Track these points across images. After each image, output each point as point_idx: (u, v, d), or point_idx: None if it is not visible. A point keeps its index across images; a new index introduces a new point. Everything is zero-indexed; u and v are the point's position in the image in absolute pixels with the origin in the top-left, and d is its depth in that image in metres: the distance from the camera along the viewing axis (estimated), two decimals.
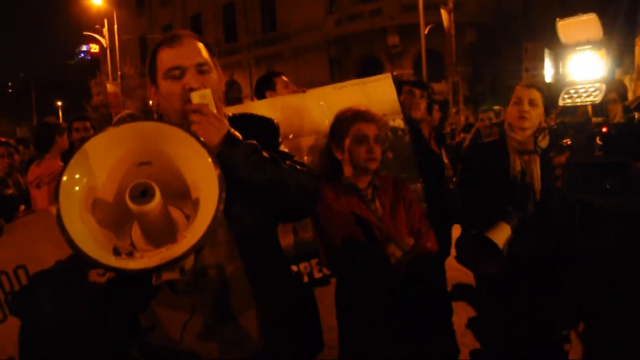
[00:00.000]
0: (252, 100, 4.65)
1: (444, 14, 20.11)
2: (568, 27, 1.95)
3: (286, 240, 3.14)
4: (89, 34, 37.68)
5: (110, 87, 31.53)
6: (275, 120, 2.09)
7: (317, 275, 3.26)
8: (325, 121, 3.10)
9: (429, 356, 2.68)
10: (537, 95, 3.20)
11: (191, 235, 1.48)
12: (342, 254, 2.59)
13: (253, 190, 1.79)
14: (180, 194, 1.61)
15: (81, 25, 42.51)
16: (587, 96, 1.94)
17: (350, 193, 2.66)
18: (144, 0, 41.79)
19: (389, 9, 28.41)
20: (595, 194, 1.93)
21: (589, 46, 1.90)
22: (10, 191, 4.24)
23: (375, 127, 2.66)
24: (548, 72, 2.18)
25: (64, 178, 1.49)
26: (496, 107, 7.22)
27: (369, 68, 29.48)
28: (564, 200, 3.14)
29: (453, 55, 20.56)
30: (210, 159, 1.55)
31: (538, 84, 3.21)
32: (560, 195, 3.13)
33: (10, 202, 3.92)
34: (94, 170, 1.53)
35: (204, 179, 1.54)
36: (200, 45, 1.86)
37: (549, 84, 2.65)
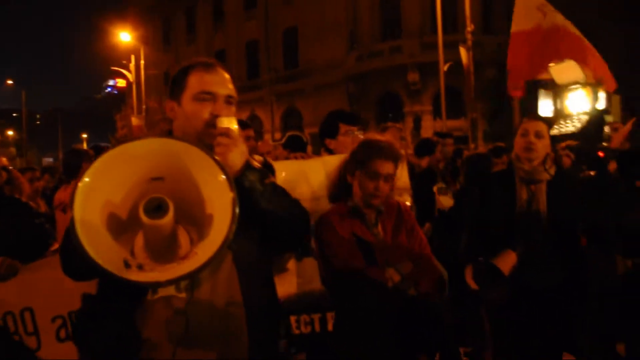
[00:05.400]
0: (272, 134, 4.74)
1: (462, 52, 20.24)
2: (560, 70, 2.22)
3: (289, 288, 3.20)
4: (116, 69, 38.80)
5: (134, 120, 32.12)
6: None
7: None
8: (325, 188, 3.14)
9: None
10: (543, 128, 3.29)
11: (202, 252, 1.48)
12: (342, 276, 2.61)
13: (265, 216, 1.86)
14: (191, 216, 1.61)
15: (109, 61, 43.83)
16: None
17: (354, 216, 2.70)
18: (170, 38, 42.98)
19: (409, 46, 28.72)
20: None
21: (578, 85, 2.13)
22: (47, 226, 4.17)
23: (392, 165, 2.68)
24: (547, 108, 2.35)
25: (79, 186, 1.50)
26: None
27: (388, 105, 29.70)
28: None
29: (471, 92, 20.58)
30: (227, 181, 1.56)
31: (543, 117, 3.30)
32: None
33: (45, 237, 3.81)
34: (107, 182, 1.54)
35: (219, 196, 1.56)
36: (229, 78, 1.97)
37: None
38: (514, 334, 3.27)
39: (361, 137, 3.24)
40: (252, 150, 4.74)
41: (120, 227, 1.57)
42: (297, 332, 3.22)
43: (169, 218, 1.49)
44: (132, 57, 36.14)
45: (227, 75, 1.96)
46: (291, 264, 3.23)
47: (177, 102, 1.94)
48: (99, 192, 1.52)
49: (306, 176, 3.28)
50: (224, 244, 1.48)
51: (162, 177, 1.60)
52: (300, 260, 3.23)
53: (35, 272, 2.68)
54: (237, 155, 1.78)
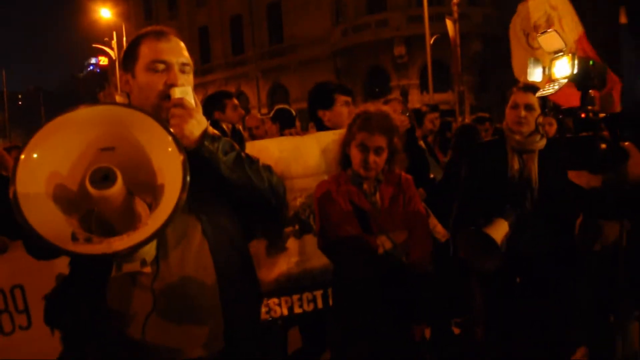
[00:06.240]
0: (259, 110, 4.66)
1: (449, 24, 20.15)
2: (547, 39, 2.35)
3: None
4: (98, 46, 38.14)
5: (118, 98, 31.62)
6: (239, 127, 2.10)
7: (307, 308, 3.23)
8: (321, 165, 3.18)
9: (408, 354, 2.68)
10: (533, 100, 3.24)
11: (153, 222, 1.42)
12: (336, 242, 2.63)
13: (230, 187, 1.80)
14: (145, 184, 1.54)
15: (90, 38, 43.11)
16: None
17: (353, 183, 2.71)
18: (152, 13, 42.21)
19: (395, 20, 28.51)
20: None
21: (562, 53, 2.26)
22: None
23: (382, 138, 2.66)
24: (538, 74, 2.40)
25: (22, 157, 1.41)
26: None
27: (375, 79, 29.57)
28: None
29: (459, 65, 20.55)
30: (174, 144, 1.50)
31: (535, 86, 3.26)
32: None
33: None
34: (53, 152, 1.46)
35: (168, 165, 1.49)
36: (184, 45, 1.87)
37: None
38: (506, 306, 3.30)
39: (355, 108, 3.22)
40: (240, 118, 4.72)
41: (71, 199, 1.49)
42: (299, 310, 3.19)
43: (117, 188, 1.42)
44: (114, 34, 35.48)
45: (181, 43, 1.87)
46: (291, 243, 3.21)
47: (131, 74, 1.84)
48: (44, 163, 1.44)
49: (301, 153, 3.26)
50: (173, 212, 1.41)
51: (112, 147, 1.52)
52: (300, 237, 3.22)
53: (24, 249, 2.63)
54: (194, 126, 1.70)
